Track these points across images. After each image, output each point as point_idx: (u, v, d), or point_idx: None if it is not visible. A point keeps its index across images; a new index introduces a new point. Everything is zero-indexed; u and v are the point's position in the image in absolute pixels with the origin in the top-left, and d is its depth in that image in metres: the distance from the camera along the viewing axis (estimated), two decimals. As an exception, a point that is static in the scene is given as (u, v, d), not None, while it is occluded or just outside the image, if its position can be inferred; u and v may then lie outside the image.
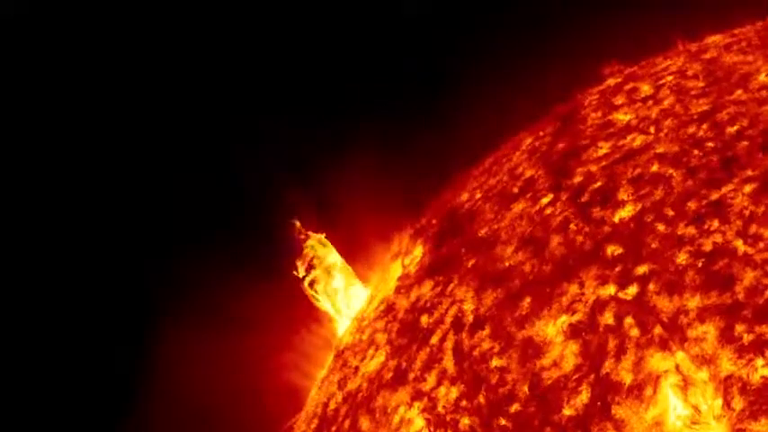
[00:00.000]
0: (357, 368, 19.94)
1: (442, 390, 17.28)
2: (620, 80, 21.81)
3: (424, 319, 18.87)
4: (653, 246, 16.33)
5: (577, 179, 18.68)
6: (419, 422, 17.19)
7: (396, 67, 31.96)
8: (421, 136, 30.43)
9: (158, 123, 31.96)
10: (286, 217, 24.22)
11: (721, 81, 19.38)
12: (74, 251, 30.56)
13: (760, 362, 14.17)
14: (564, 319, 16.34)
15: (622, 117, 19.97)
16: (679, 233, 16.22)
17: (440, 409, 17.06)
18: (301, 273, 23.58)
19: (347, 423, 18.92)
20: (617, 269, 16.37)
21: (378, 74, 32.06)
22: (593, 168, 18.63)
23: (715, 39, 21.98)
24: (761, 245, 15.30)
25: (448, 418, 16.79)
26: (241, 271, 27.41)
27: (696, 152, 17.57)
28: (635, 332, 15.40)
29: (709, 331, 14.77)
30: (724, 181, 16.59)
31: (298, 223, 24.10)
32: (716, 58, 20.64)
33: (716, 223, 15.98)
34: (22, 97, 32.03)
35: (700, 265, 15.56)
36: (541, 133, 21.70)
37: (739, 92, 18.65)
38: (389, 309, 20.35)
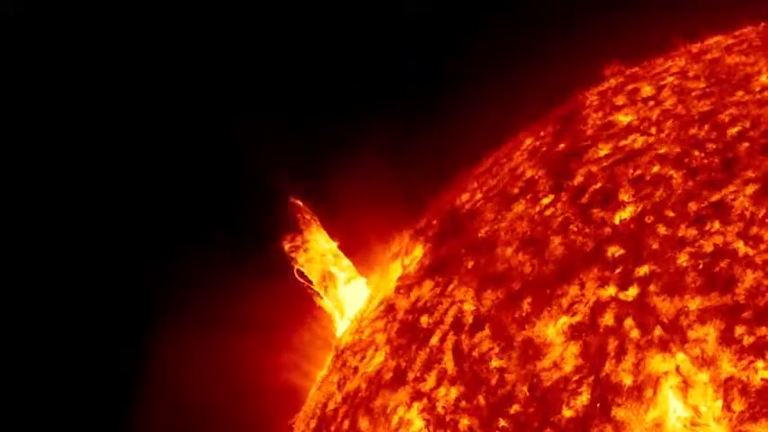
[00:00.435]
0: (356, 368, 19.93)
1: (442, 390, 17.26)
2: (621, 81, 21.79)
3: (424, 320, 18.86)
4: (654, 247, 16.31)
5: (578, 180, 18.66)
6: (418, 423, 17.17)
7: (396, 67, 31.94)
8: (421, 136, 30.42)
9: (158, 123, 31.94)
10: (287, 206, 24.34)
11: (723, 82, 19.36)
12: (74, 251, 30.54)
13: (760, 364, 14.16)
14: (564, 321, 16.33)
15: (623, 118, 19.96)
16: (680, 234, 16.20)
17: (439, 409, 17.04)
18: (287, 246, 23.66)
19: (346, 423, 18.90)
20: (617, 270, 16.36)
21: (378, 74, 32.04)
22: (594, 169, 18.62)
23: (716, 40, 21.96)
24: (762, 246, 15.29)
25: (447, 419, 16.77)
26: (241, 271, 27.40)
27: (697, 153, 17.56)
28: (635, 333, 15.38)
29: (709, 333, 14.76)
30: (725, 182, 16.58)
31: (299, 202, 24.22)
32: (717, 59, 20.62)
33: (717, 225, 15.97)
34: (22, 97, 32.00)
35: (701, 266, 15.55)
36: (542, 134, 21.68)
37: (740, 93, 18.63)
38: (389, 309, 20.34)
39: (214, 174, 31.02)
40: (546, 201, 18.86)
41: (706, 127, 18.07)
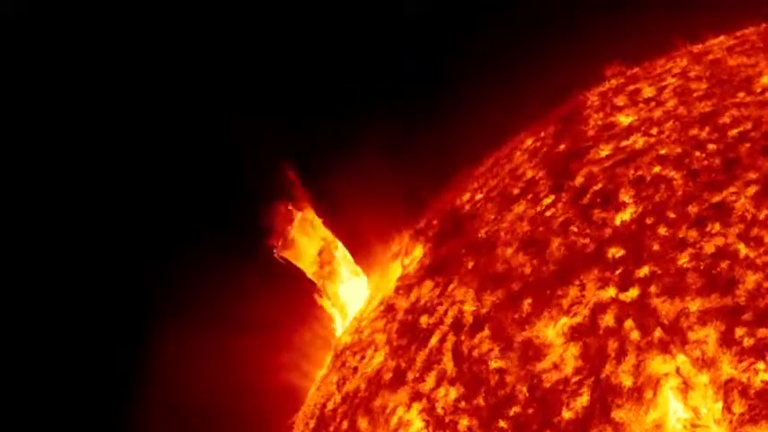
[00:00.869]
0: (356, 368, 19.91)
1: (442, 391, 17.24)
2: (622, 81, 21.76)
3: (424, 320, 18.84)
4: (654, 248, 16.29)
5: (579, 181, 18.64)
6: (418, 423, 17.15)
7: (396, 67, 31.92)
8: (421, 136, 30.41)
9: (158, 123, 31.94)
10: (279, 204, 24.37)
11: (724, 83, 19.33)
12: (74, 251, 30.54)
13: (761, 366, 14.14)
14: (564, 321, 16.30)
15: (624, 118, 19.93)
16: (680, 235, 16.18)
17: (439, 410, 17.02)
18: (276, 244, 23.69)
19: (345, 423, 18.88)
20: (618, 271, 16.33)
21: (378, 74, 32.03)
22: (595, 170, 18.59)
23: (718, 41, 21.94)
24: (762, 248, 15.27)
25: (447, 420, 16.75)
26: (241, 271, 27.40)
27: (698, 154, 17.53)
28: (635, 335, 15.36)
29: (710, 334, 14.74)
30: (726, 183, 16.55)
31: (289, 206, 24.23)
32: (719, 60, 20.59)
33: (717, 226, 15.94)
34: (22, 97, 32.00)
35: (701, 267, 15.53)
36: (543, 134, 21.65)
37: (742, 94, 18.61)
38: (389, 309, 20.32)
39: (214, 174, 31.02)
40: (546, 201, 18.84)
41: (707, 128, 18.04)
